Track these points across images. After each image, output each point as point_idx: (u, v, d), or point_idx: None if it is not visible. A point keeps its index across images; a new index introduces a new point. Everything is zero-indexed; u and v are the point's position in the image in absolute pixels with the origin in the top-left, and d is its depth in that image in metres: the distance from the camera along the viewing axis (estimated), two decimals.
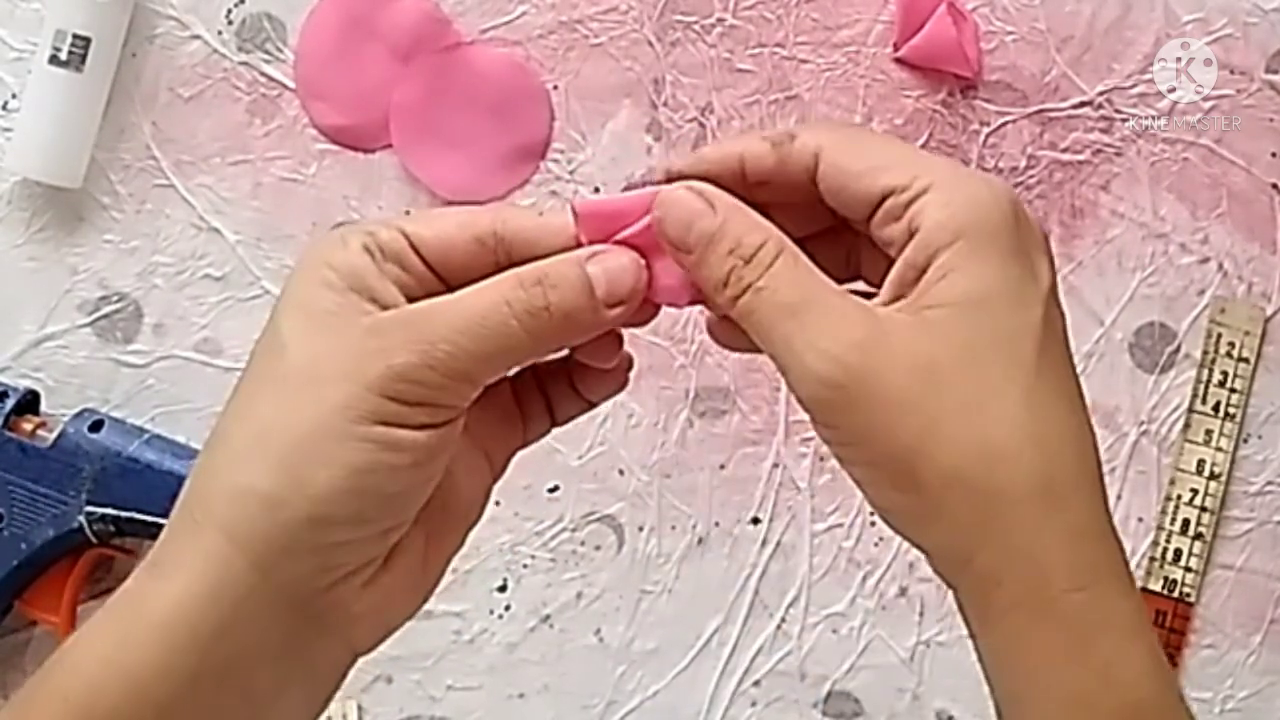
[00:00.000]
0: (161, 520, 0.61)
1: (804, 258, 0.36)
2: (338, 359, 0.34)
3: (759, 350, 0.38)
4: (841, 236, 0.40)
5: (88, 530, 0.62)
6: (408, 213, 0.68)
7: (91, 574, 0.65)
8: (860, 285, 0.41)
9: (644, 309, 0.38)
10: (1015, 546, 0.35)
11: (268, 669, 0.35)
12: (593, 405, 0.41)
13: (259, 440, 0.34)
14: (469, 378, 0.35)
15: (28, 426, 0.63)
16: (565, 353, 0.40)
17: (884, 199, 0.37)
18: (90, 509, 0.62)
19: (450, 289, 0.38)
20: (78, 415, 0.64)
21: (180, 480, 0.61)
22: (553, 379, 0.41)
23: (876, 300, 0.37)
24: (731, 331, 0.39)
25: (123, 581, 0.36)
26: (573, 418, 0.42)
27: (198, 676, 0.34)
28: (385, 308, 0.36)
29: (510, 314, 0.35)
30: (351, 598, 0.36)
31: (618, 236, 0.38)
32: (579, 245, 0.38)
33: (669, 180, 0.39)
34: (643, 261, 0.37)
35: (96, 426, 0.63)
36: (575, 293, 0.36)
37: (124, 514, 0.62)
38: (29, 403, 0.65)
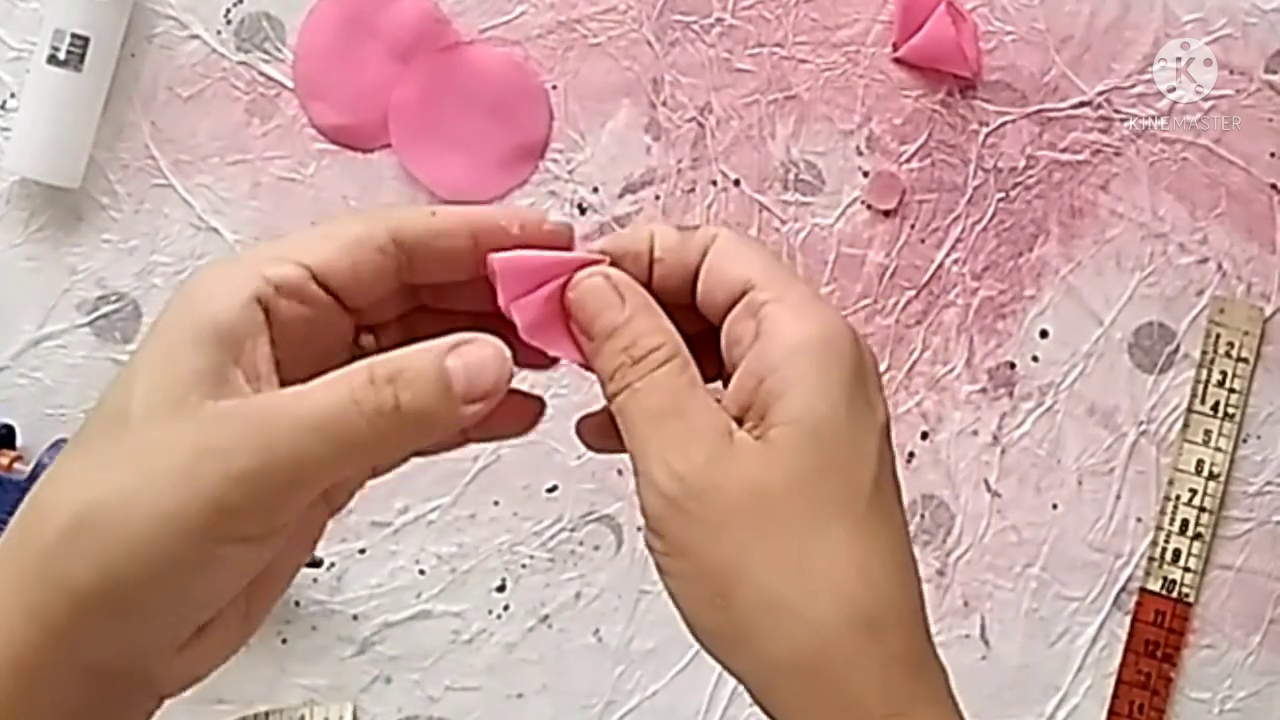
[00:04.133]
0: None
1: (692, 371, 0.37)
2: (177, 452, 0.32)
3: (619, 451, 0.38)
4: (716, 341, 0.40)
5: None
6: None
7: None
8: None
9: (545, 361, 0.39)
10: (824, 679, 0.34)
11: None
12: (468, 442, 0.40)
13: (81, 527, 0.32)
14: (311, 484, 0.33)
15: (4, 460, 0.63)
16: None
17: (744, 292, 0.37)
18: None
19: (350, 310, 0.37)
20: (53, 447, 0.64)
21: None
22: None
23: (725, 403, 0.37)
24: (595, 431, 0.39)
25: None
26: (445, 450, 0.39)
27: None
28: (249, 378, 0.34)
29: (359, 414, 0.33)
30: (160, 664, 0.34)
31: (541, 292, 0.38)
32: (492, 286, 0.37)
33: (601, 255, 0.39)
34: (508, 355, 0.35)
35: None
36: (429, 394, 0.34)
37: None
38: (4, 436, 0.65)
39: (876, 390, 0.37)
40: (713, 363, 0.39)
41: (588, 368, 0.38)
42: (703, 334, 0.39)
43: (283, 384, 0.35)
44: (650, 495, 0.35)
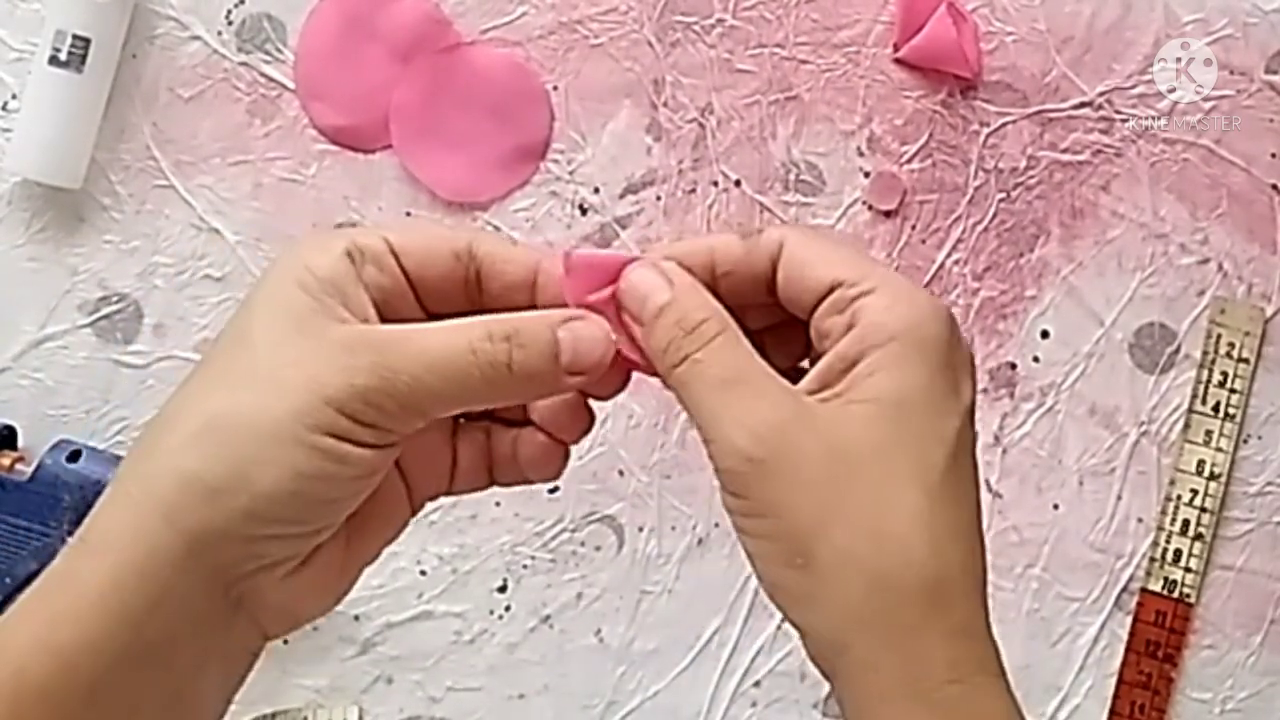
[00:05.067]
0: None
1: (744, 341, 0.38)
2: (303, 366, 0.35)
3: None
4: (794, 332, 0.41)
5: None
6: (408, 214, 0.68)
7: None
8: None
9: (615, 376, 0.40)
10: (896, 637, 0.36)
11: (190, 647, 0.36)
12: (529, 481, 0.42)
13: (210, 429, 0.35)
14: (422, 412, 0.37)
15: (5, 461, 0.64)
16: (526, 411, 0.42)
17: (832, 290, 0.38)
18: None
19: (419, 298, 0.39)
20: (55, 446, 0.64)
21: None
22: (502, 440, 0.42)
23: (800, 386, 0.38)
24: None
25: None
26: (513, 484, 0.43)
27: (127, 653, 0.34)
28: (357, 316, 0.37)
29: (474, 363, 0.36)
30: (270, 587, 0.37)
31: (600, 294, 0.39)
32: (549, 294, 0.39)
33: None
34: (613, 336, 0.38)
35: (74, 457, 0.63)
36: (540, 356, 0.37)
37: None
38: (6, 437, 0.65)
39: (966, 374, 0.38)
40: (782, 355, 0.41)
41: (651, 372, 0.39)
42: (774, 328, 0.41)
43: None
44: (729, 459, 0.36)
